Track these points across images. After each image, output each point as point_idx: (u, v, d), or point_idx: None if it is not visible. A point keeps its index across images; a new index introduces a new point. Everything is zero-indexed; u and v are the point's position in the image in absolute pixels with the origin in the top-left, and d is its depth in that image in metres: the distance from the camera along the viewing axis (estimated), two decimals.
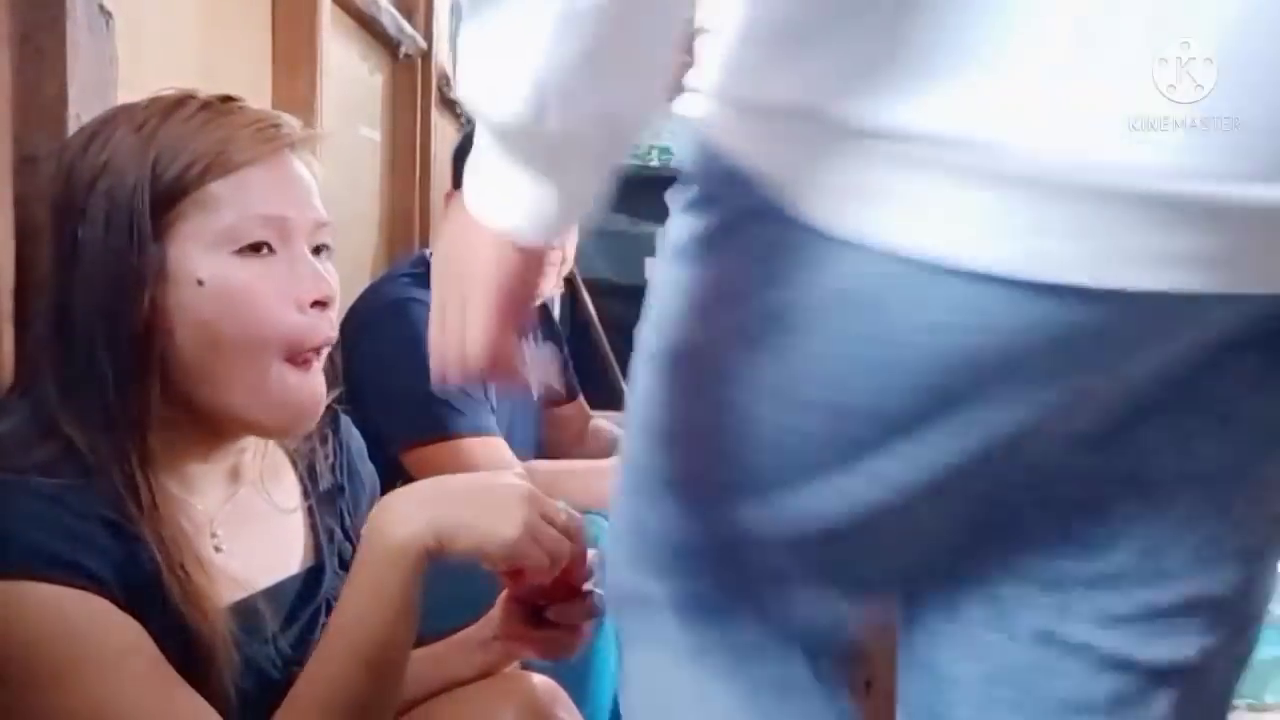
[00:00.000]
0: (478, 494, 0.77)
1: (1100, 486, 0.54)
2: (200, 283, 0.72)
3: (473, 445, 1.43)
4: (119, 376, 0.71)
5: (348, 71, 1.85)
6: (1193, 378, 0.50)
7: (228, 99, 0.77)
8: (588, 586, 0.84)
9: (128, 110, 0.75)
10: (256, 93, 1.35)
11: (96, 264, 0.71)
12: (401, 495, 0.77)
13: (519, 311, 0.57)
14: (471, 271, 0.55)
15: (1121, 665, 0.55)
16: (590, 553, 0.82)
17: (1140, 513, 0.53)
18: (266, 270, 0.74)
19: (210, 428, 0.77)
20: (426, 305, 1.51)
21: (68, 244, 0.72)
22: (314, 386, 0.77)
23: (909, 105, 0.44)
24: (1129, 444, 0.53)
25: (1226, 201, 0.41)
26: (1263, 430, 0.53)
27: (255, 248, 0.73)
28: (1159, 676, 0.55)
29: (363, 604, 0.73)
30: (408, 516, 0.74)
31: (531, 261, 0.56)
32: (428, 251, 1.67)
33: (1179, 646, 0.55)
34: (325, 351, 0.78)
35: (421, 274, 1.58)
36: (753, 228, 0.50)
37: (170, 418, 0.74)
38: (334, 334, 0.78)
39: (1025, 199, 0.43)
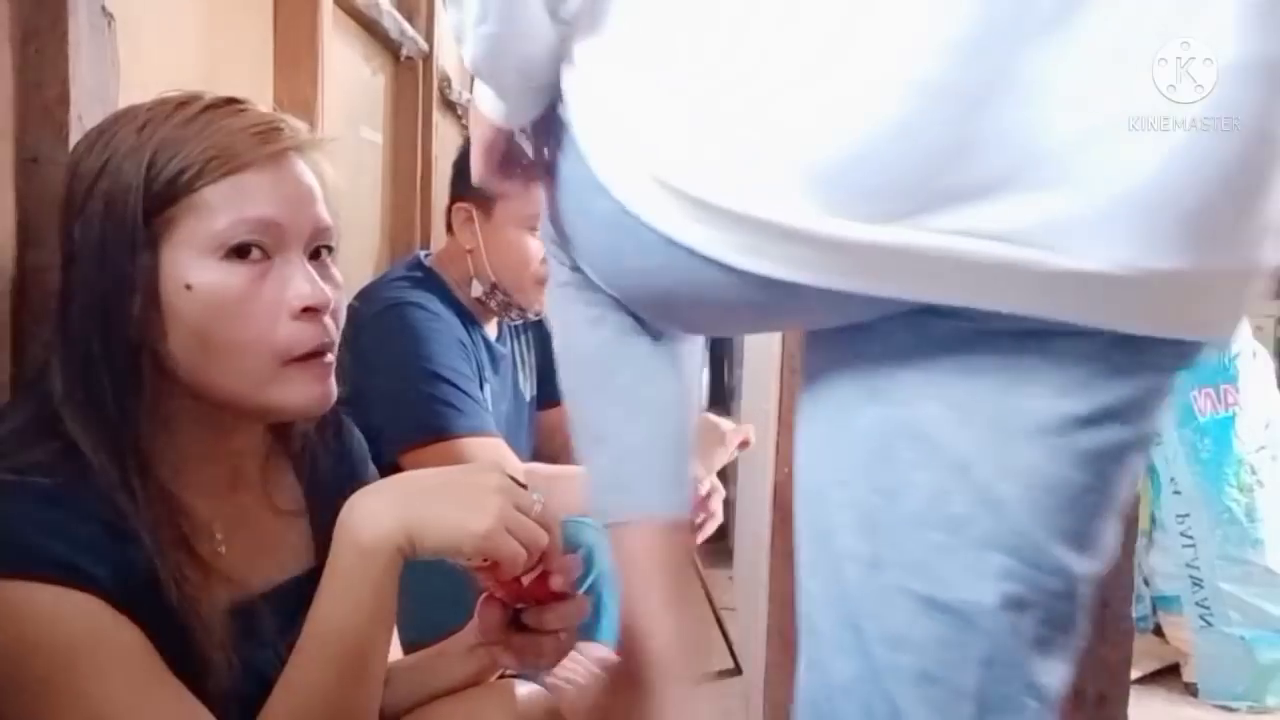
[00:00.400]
0: (448, 488, 0.74)
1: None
2: (189, 288, 0.71)
3: (472, 445, 1.43)
4: (114, 378, 0.71)
5: (349, 73, 1.85)
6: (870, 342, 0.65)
7: (232, 101, 0.76)
8: (563, 588, 0.80)
9: (133, 111, 0.75)
10: (258, 94, 1.35)
11: (92, 265, 0.71)
12: (369, 493, 0.74)
13: (492, 158, 0.86)
14: (473, 131, 0.87)
15: (933, 605, 0.62)
16: (570, 557, 0.80)
17: (915, 455, 0.63)
18: (257, 277, 0.73)
19: (222, 420, 0.76)
20: (423, 308, 1.53)
21: (68, 244, 0.72)
22: (323, 381, 0.76)
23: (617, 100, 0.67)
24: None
25: (813, 229, 0.59)
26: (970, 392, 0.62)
27: (245, 253, 0.72)
28: (966, 618, 0.62)
29: (335, 607, 0.71)
30: (376, 515, 0.72)
31: (502, 132, 0.82)
32: (423, 254, 1.67)
33: (977, 589, 0.61)
34: (329, 352, 0.77)
35: (418, 277, 1.58)
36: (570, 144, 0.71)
37: (171, 418, 0.74)
38: (331, 338, 0.77)
39: (689, 202, 0.62)
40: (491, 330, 1.65)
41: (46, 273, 0.80)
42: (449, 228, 1.65)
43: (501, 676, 0.91)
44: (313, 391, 0.76)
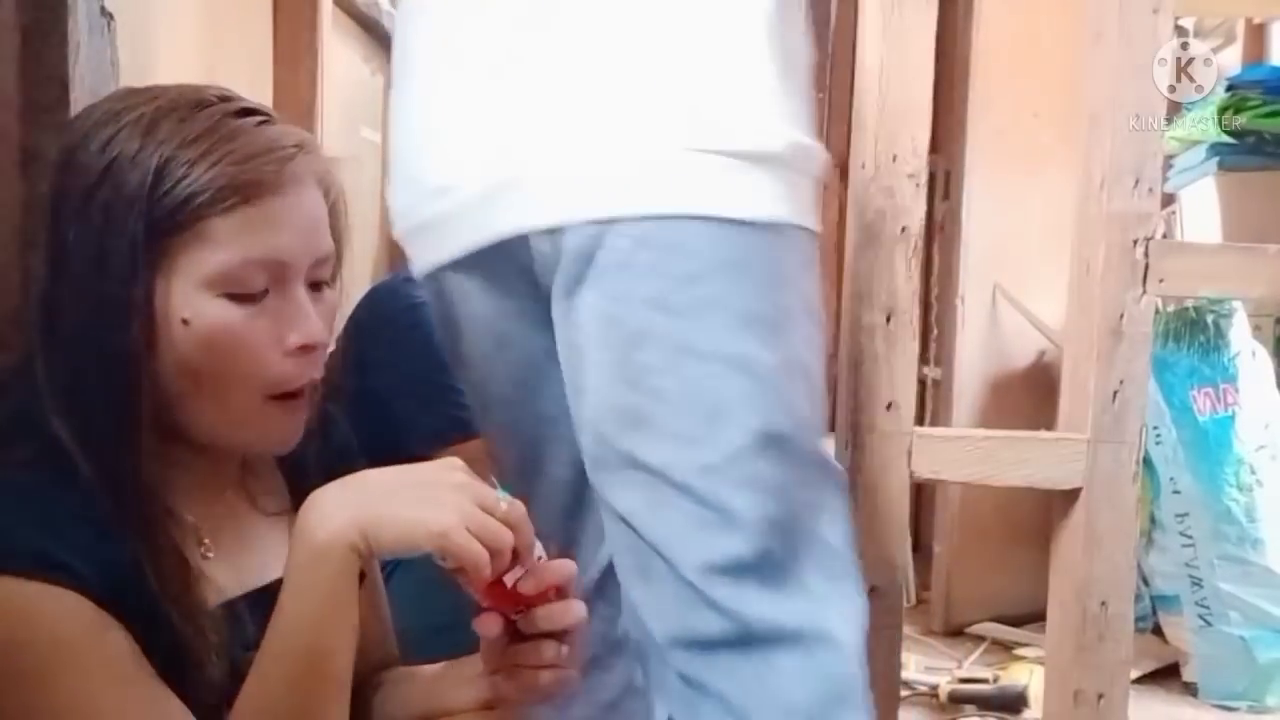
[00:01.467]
0: (406, 485, 0.71)
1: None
2: (185, 322, 0.69)
3: None
4: (105, 393, 0.69)
5: (349, 72, 1.85)
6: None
7: (251, 111, 0.72)
8: (533, 590, 0.76)
9: (139, 98, 0.71)
10: (257, 93, 1.35)
11: (87, 280, 0.68)
12: (326, 491, 0.71)
13: None
14: None
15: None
16: (560, 561, 0.77)
17: None
18: (255, 314, 0.71)
19: (195, 442, 0.76)
20: None
21: (59, 245, 0.70)
22: (297, 419, 0.76)
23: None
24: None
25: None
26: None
27: (247, 292, 0.71)
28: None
29: (291, 607, 0.69)
30: (330, 514, 0.69)
31: None
32: None
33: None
34: (308, 392, 0.76)
35: None
36: None
37: (159, 423, 0.73)
38: (318, 374, 0.75)
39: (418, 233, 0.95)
40: None
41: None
42: None
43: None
44: (285, 431, 0.75)
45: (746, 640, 0.82)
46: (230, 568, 0.78)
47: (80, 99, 0.86)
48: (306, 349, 0.73)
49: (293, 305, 0.72)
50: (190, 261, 0.69)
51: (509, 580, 0.74)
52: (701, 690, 0.84)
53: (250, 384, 0.72)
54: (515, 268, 0.88)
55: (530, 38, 0.84)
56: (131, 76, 0.95)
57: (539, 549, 0.77)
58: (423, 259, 0.94)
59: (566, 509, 0.97)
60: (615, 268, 0.82)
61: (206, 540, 0.77)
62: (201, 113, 0.70)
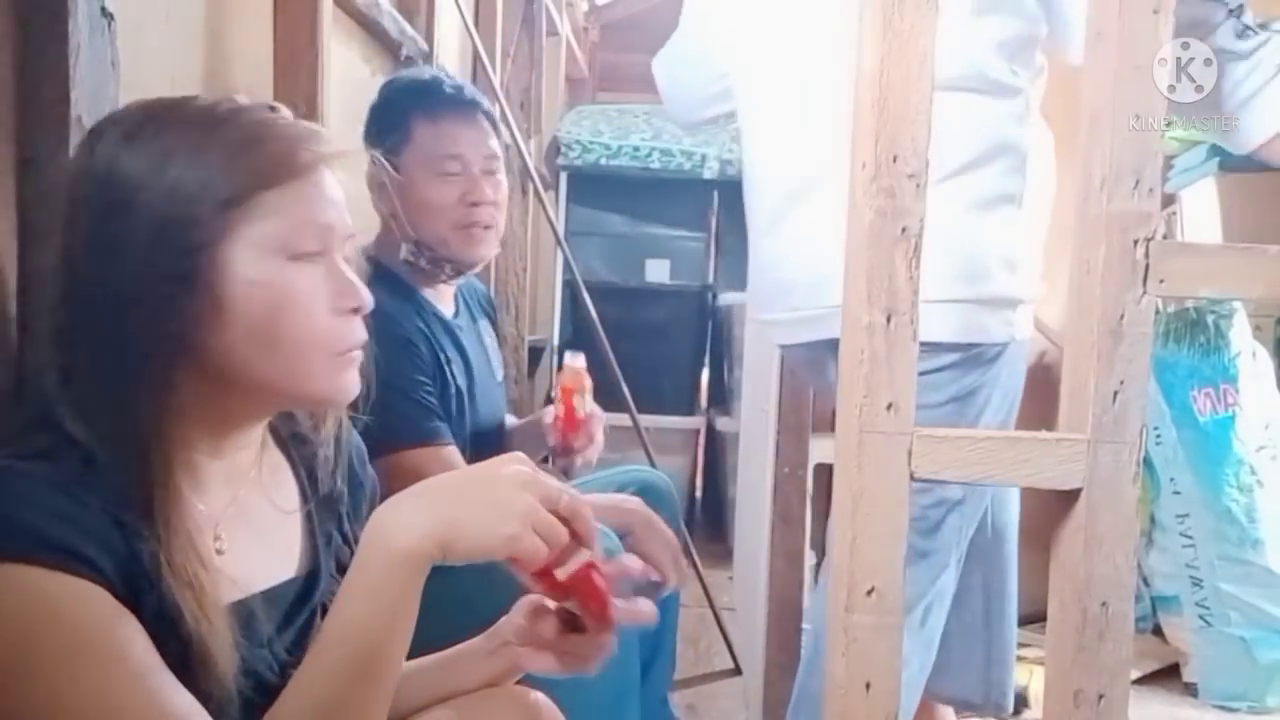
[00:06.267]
0: (475, 487, 0.76)
1: None
2: (256, 285, 0.74)
3: (419, 456, 1.37)
4: (147, 374, 0.71)
5: (349, 73, 1.85)
6: None
7: (273, 108, 0.80)
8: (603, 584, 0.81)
9: (176, 109, 0.76)
10: (258, 94, 1.35)
11: (142, 262, 0.72)
12: (404, 499, 0.75)
13: None
14: None
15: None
16: (617, 562, 0.82)
17: None
18: (312, 276, 0.77)
19: (230, 413, 0.78)
20: (383, 312, 1.50)
21: (107, 238, 0.72)
22: (351, 380, 0.81)
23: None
24: None
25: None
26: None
27: (305, 254, 0.76)
28: None
29: (359, 609, 0.72)
30: (409, 524, 0.73)
31: None
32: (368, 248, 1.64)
33: None
34: (360, 350, 0.80)
35: (381, 275, 1.55)
36: None
37: (181, 412, 0.74)
38: (365, 337, 0.81)
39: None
40: (447, 307, 1.62)
41: (49, 272, 0.80)
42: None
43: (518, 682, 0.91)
44: (346, 382, 0.80)
45: None
46: (245, 565, 0.79)
47: (80, 99, 0.86)
48: (356, 311, 0.79)
49: (340, 271, 0.79)
50: (252, 230, 0.74)
51: (561, 574, 0.77)
52: None
53: (318, 344, 0.77)
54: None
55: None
56: (131, 77, 0.95)
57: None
58: (793, 338, 1.44)
59: None
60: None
61: (221, 535, 0.78)
62: (245, 113, 0.77)
